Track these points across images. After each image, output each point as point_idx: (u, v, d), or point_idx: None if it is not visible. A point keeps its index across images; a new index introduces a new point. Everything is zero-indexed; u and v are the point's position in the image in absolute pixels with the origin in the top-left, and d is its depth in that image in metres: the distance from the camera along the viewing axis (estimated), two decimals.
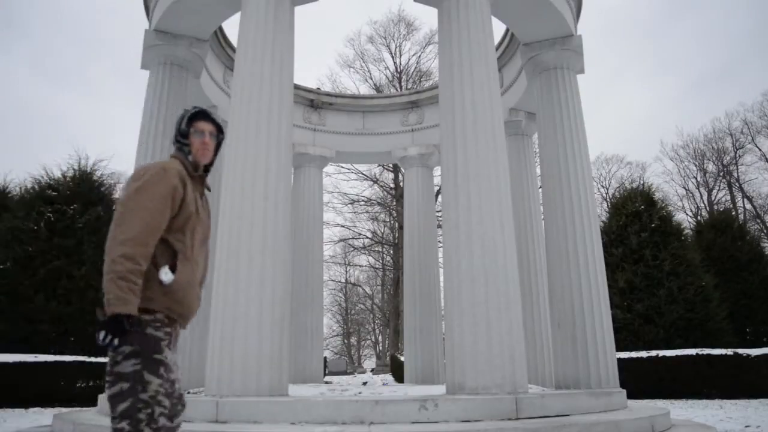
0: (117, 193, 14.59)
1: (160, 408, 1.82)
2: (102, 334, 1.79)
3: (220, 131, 2.23)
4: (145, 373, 1.82)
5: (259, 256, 4.72)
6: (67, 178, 13.62)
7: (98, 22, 59.48)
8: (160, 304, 1.91)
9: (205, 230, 2.18)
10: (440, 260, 10.37)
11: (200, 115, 2.18)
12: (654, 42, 57.72)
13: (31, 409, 9.25)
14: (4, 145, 48.87)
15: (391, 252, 27.19)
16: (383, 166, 25.20)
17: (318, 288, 9.78)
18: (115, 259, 1.81)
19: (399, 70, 27.44)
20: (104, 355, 10.69)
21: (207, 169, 2.22)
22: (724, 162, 31.74)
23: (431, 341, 9.44)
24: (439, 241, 12.60)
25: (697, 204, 32.74)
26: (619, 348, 9.33)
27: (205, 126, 2.18)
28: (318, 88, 10.82)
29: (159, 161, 2.17)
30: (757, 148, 30.77)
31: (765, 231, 28.28)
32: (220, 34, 8.21)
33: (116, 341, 1.79)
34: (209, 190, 2.29)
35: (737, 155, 31.60)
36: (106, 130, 59.87)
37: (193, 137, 2.16)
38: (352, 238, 29.04)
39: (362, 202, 26.75)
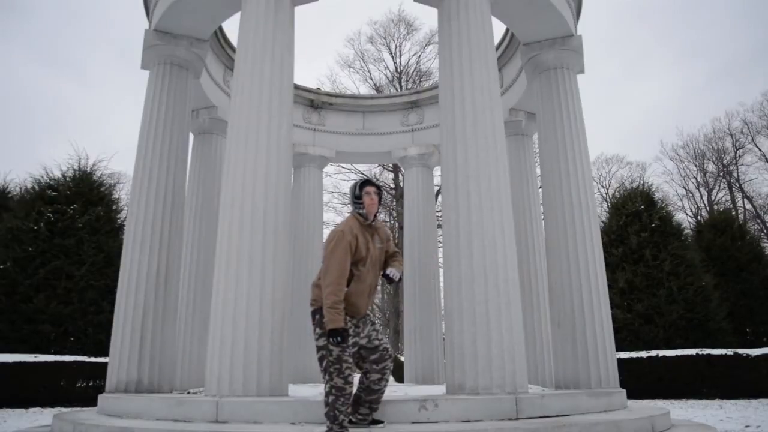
0: (117, 193, 14.66)
1: (345, 363, 3.30)
2: (330, 340, 3.25)
3: (379, 191, 3.62)
4: (330, 345, 3.29)
5: (260, 256, 4.71)
6: (67, 178, 13.63)
7: (102, 7, 58.85)
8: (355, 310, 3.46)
9: (373, 259, 3.56)
10: (440, 260, 10.37)
11: (367, 182, 3.62)
12: (679, 27, 56.58)
13: (31, 409, 9.25)
14: (4, 140, 48.61)
15: None
16: (383, 166, 25.20)
17: None
18: (327, 296, 3.27)
19: (399, 70, 27.44)
20: (104, 355, 10.61)
21: (374, 219, 3.60)
22: (724, 162, 31.76)
23: (431, 341, 9.43)
24: (439, 241, 12.60)
25: (697, 204, 32.76)
26: (619, 348, 9.33)
27: (371, 189, 3.56)
28: (318, 88, 10.81)
29: (341, 225, 3.54)
30: (757, 148, 30.81)
31: (765, 231, 28.29)
32: (220, 34, 8.21)
33: (339, 339, 3.23)
34: (376, 230, 3.66)
35: (737, 155, 31.62)
36: (109, 122, 59.52)
37: (365, 197, 3.55)
38: None
39: None
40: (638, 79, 57.52)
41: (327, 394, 3.30)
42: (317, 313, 3.47)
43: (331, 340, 3.24)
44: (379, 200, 3.61)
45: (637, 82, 58.20)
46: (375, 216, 3.61)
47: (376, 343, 3.59)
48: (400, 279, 3.80)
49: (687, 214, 31.87)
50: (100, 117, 59.29)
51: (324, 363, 3.36)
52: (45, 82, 58.15)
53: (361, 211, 3.55)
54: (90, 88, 63.42)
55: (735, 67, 52.07)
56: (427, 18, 35.44)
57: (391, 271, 3.64)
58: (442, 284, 6.37)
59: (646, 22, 57.16)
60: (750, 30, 49.95)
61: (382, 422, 3.76)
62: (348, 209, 29.64)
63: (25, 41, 56.23)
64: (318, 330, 3.44)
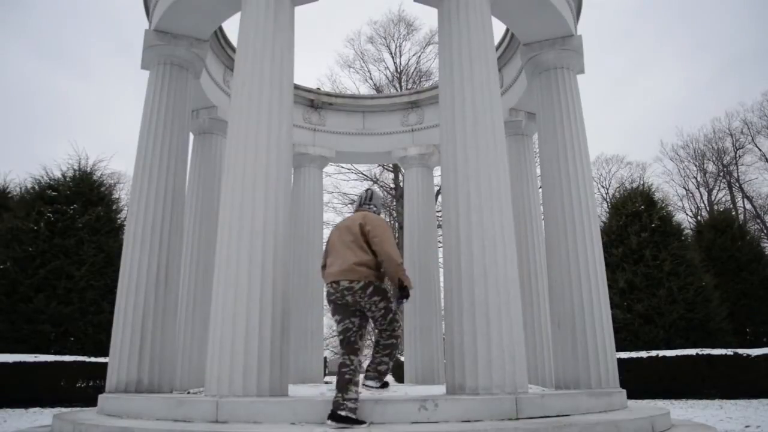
0: (117, 193, 14.65)
1: (399, 320, 4.33)
2: (405, 300, 4.22)
3: None
4: (391, 306, 4.23)
5: (260, 256, 4.71)
6: (67, 178, 13.62)
7: (104, 2, 58.48)
8: (385, 280, 4.29)
9: None
10: (440, 260, 10.37)
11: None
12: (682, 25, 56.11)
13: (31, 409, 9.25)
14: (4, 138, 48.53)
15: None
16: (383, 166, 25.19)
17: (318, 288, 9.78)
18: (400, 263, 4.10)
19: (399, 70, 27.45)
20: (104, 355, 10.61)
21: None
22: (724, 162, 31.77)
23: (431, 341, 9.43)
24: (439, 241, 12.60)
25: (697, 204, 32.77)
26: (619, 348, 9.34)
27: None
28: (318, 88, 10.81)
29: (377, 215, 4.43)
30: (757, 148, 30.83)
31: (765, 231, 28.29)
32: (220, 34, 8.21)
33: (408, 297, 4.22)
34: None
35: (737, 155, 31.64)
36: (111, 119, 59.33)
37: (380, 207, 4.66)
38: None
39: None
40: (640, 77, 57.57)
41: (388, 347, 4.39)
42: (369, 286, 4.08)
43: (405, 300, 4.18)
44: None
45: (639, 81, 58.25)
46: None
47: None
48: None
49: (687, 214, 31.89)
50: (101, 113, 59.28)
51: (388, 317, 4.24)
52: (46, 79, 58.12)
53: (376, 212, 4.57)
54: (91, 84, 63.41)
55: (737, 65, 52.11)
56: (427, 18, 35.47)
57: None
58: (442, 284, 6.36)
59: (649, 19, 57.17)
60: (752, 29, 49.97)
61: (364, 422, 3.83)
62: (348, 209, 29.43)
63: (25, 36, 56.12)
64: (376, 297, 4.11)
